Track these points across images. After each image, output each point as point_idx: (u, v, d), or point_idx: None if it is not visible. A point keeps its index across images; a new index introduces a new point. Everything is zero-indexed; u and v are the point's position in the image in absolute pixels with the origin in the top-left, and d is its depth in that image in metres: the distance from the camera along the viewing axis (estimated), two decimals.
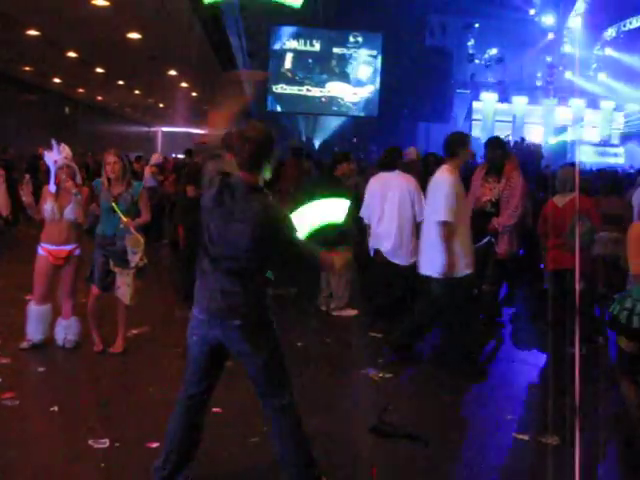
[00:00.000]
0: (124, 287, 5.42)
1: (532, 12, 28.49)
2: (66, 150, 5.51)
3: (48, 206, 5.43)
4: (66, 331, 5.54)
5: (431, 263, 5.17)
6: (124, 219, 5.29)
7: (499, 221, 6.40)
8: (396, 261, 6.45)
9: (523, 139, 23.98)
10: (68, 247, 5.48)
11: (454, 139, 5.27)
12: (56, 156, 5.45)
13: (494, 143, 6.67)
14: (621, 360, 4.10)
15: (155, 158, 11.07)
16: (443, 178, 5.12)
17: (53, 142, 5.49)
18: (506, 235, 6.44)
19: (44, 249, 5.48)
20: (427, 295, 5.38)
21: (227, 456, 3.78)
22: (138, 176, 10.99)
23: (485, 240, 6.43)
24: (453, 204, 5.00)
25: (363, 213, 6.69)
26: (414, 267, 6.57)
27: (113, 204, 5.32)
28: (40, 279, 5.50)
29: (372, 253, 6.66)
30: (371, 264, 6.82)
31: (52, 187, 5.47)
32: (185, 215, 7.38)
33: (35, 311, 5.51)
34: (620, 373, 4.13)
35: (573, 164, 7.38)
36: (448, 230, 5.01)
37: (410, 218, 6.43)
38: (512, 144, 23.55)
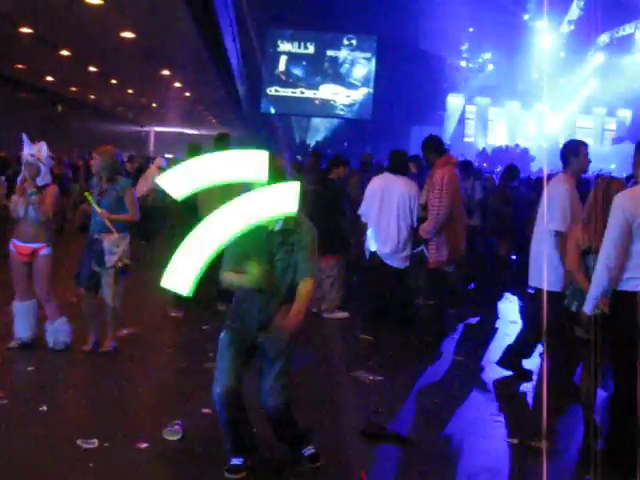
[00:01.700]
0: (106, 287, 5.40)
1: (526, 17, 28.64)
2: (41, 149, 5.43)
3: (13, 202, 5.44)
4: (55, 334, 5.47)
5: (542, 275, 4.94)
6: (98, 210, 5.26)
7: (422, 227, 6.08)
8: (392, 264, 6.44)
9: (517, 145, 24.10)
10: (32, 245, 5.40)
11: (566, 148, 5.11)
12: (25, 152, 5.42)
13: (426, 143, 6.32)
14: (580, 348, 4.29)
15: (159, 162, 10.91)
16: (559, 188, 4.93)
17: (23, 137, 5.45)
18: (433, 242, 6.00)
19: (13, 244, 5.47)
20: (534, 310, 5.18)
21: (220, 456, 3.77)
22: (130, 176, 10.94)
23: (418, 249, 6.28)
24: (568, 214, 4.81)
25: (362, 211, 6.67)
26: (408, 270, 6.59)
27: (85, 194, 5.33)
28: (15, 275, 5.50)
29: (368, 255, 6.61)
30: (367, 266, 6.82)
31: (20, 181, 5.48)
32: (187, 215, 7.14)
33: (19, 308, 5.48)
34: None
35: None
36: (563, 241, 4.78)
37: (408, 222, 6.42)
38: (505, 148, 23.68)
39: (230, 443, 3.53)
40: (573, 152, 5.04)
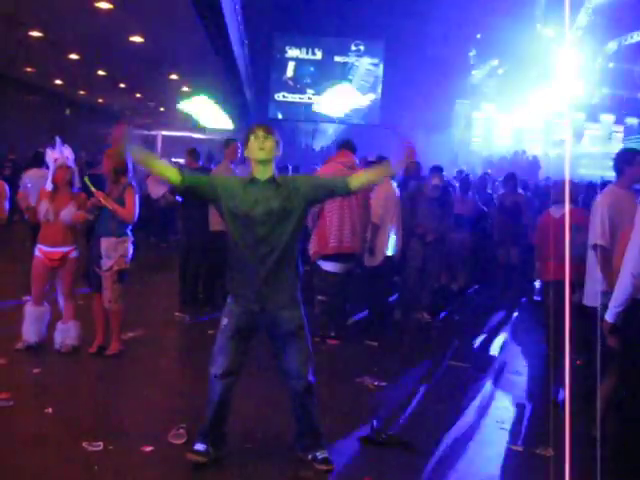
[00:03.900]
0: (104, 290, 5.40)
1: (535, 24, 28.64)
2: (70, 153, 5.48)
3: (43, 207, 5.38)
4: (63, 335, 5.48)
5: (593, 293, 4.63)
6: (93, 189, 5.24)
7: None
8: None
9: (524, 152, 24.07)
10: (63, 249, 5.41)
11: (620, 156, 4.84)
12: (57, 154, 5.42)
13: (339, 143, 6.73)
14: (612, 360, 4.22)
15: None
16: (600, 200, 4.62)
17: (57, 140, 5.45)
18: (314, 235, 6.27)
19: (40, 250, 5.44)
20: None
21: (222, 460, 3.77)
22: None
23: None
24: (606, 227, 4.44)
25: (380, 217, 6.73)
26: None
27: (85, 178, 5.39)
28: (36, 280, 5.46)
29: (381, 260, 6.69)
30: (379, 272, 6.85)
31: (48, 185, 5.44)
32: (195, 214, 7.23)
33: (32, 312, 5.47)
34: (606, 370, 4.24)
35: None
36: (604, 256, 4.46)
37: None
38: (511, 157, 23.64)
39: (204, 427, 3.67)
40: (628, 161, 4.79)
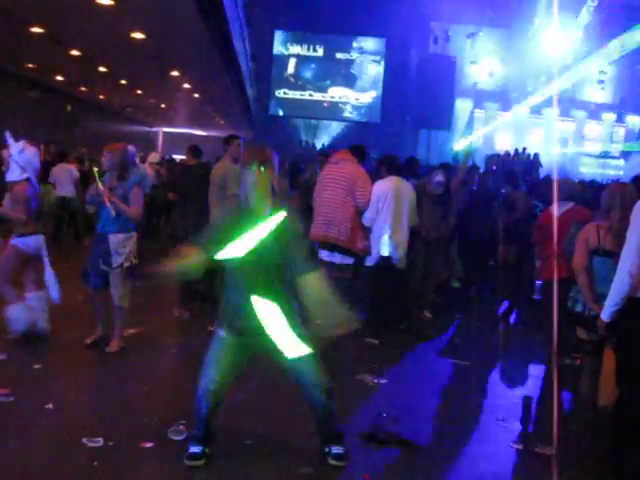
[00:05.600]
0: (114, 287, 5.39)
1: (536, 22, 28.61)
2: (20, 146, 5.43)
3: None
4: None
5: None
6: (100, 187, 5.21)
7: None
8: (400, 266, 6.45)
9: (525, 149, 24.08)
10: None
11: None
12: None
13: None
14: (583, 351, 4.25)
15: (153, 157, 11.13)
16: None
17: (6, 134, 5.44)
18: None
19: None
20: None
21: (222, 457, 3.77)
22: None
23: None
24: None
25: (370, 217, 6.49)
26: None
27: (94, 170, 5.40)
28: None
29: (375, 260, 6.51)
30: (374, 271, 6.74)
31: None
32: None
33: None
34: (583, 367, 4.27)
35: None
36: None
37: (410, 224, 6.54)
38: (513, 153, 23.62)
39: (198, 432, 3.66)
40: None
